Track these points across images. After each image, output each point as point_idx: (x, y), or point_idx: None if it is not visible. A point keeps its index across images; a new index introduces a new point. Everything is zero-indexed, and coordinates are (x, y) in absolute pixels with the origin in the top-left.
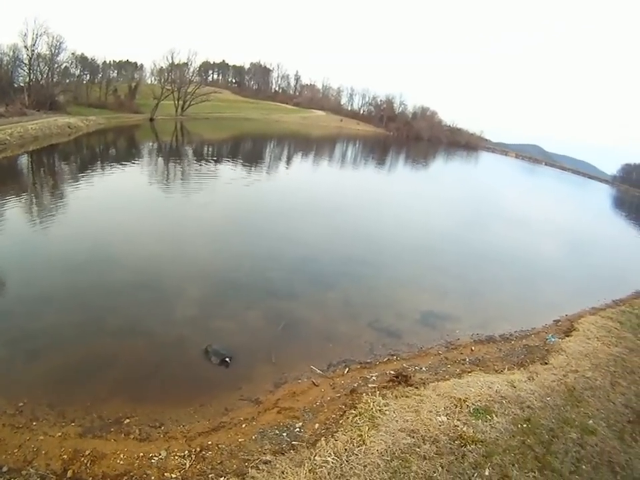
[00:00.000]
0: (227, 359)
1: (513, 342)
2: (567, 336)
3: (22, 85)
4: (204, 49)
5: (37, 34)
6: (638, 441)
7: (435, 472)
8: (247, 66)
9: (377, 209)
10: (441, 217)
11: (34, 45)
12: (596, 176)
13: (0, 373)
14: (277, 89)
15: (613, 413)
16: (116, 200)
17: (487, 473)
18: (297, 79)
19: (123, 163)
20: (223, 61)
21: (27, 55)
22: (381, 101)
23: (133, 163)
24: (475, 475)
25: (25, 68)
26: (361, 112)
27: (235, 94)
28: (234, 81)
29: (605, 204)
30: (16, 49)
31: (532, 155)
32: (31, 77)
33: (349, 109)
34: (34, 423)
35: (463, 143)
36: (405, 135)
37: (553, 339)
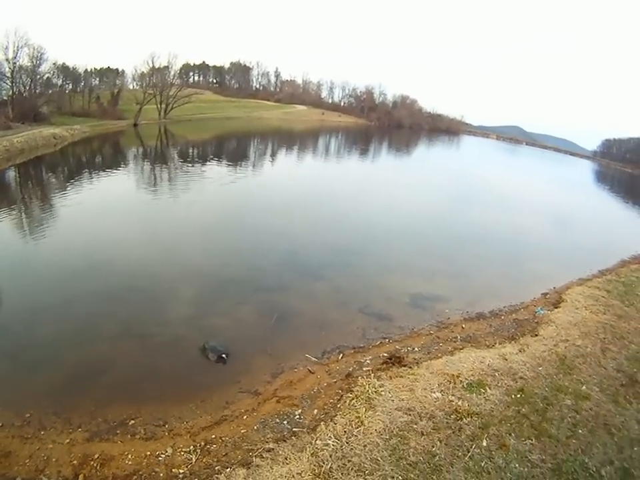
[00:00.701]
0: (224, 355)
1: (502, 317)
2: (556, 307)
3: (5, 98)
4: (184, 51)
5: (17, 46)
6: (632, 402)
7: (433, 446)
8: (227, 66)
9: (362, 198)
10: (425, 202)
11: (15, 57)
12: (577, 152)
13: (4, 387)
14: (257, 86)
15: (606, 378)
16: (105, 207)
17: (484, 444)
18: (277, 75)
19: (110, 169)
20: (203, 62)
21: (9, 68)
22: (360, 92)
23: (120, 169)
24: (473, 446)
25: (7, 81)
26: (342, 104)
27: (217, 94)
28: (215, 81)
29: (587, 179)
30: None
31: (513, 136)
32: (14, 90)
33: (330, 101)
34: (42, 433)
35: (444, 129)
36: (386, 124)
37: (542, 311)
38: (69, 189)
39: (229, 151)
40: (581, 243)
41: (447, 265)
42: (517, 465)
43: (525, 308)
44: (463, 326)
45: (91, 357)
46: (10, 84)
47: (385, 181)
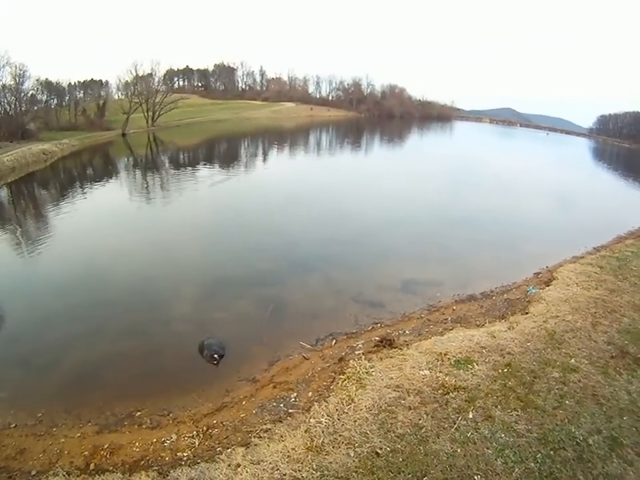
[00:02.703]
0: (216, 356)
1: (494, 298)
2: (547, 286)
3: None
4: (166, 56)
5: None
6: (622, 374)
7: (420, 419)
8: (211, 68)
9: (353, 191)
10: (418, 191)
11: None
12: (573, 131)
13: (18, 390)
14: (243, 86)
15: (596, 351)
16: (100, 216)
17: (470, 416)
18: (262, 74)
19: (102, 180)
20: (187, 66)
21: None
22: (348, 84)
23: (112, 180)
24: (459, 419)
25: None
26: (330, 98)
27: (203, 97)
28: (200, 84)
29: (584, 157)
30: None
31: (506, 118)
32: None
33: (318, 96)
34: (54, 429)
35: (435, 115)
36: (376, 115)
37: (534, 290)
38: (63, 202)
39: (220, 154)
40: (577, 221)
41: (440, 250)
42: (502, 435)
43: (517, 288)
44: (454, 308)
45: (96, 356)
46: None
47: (377, 172)
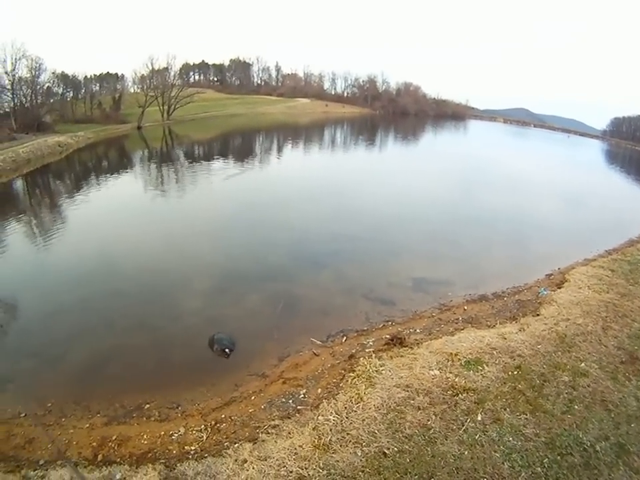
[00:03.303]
0: (227, 350)
1: (505, 298)
2: (559, 288)
3: (7, 110)
4: (182, 51)
5: (15, 58)
6: (632, 379)
7: (428, 420)
8: (226, 63)
9: (367, 188)
10: (431, 189)
11: (14, 69)
12: (586, 132)
13: (28, 381)
14: (259, 82)
15: (605, 356)
16: (114, 209)
17: (479, 418)
18: (278, 69)
19: (117, 173)
20: (203, 60)
21: (9, 80)
22: (363, 81)
23: (127, 172)
24: (468, 420)
25: (8, 93)
26: (345, 95)
27: (218, 92)
28: (215, 79)
29: (597, 159)
30: None
31: (520, 119)
32: (15, 101)
33: (333, 93)
34: (63, 420)
35: (450, 114)
36: (391, 112)
37: (545, 292)
38: (78, 194)
39: (235, 148)
40: (589, 223)
41: (452, 248)
42: (510, 439)
43: (528, 289)
44: (465, 308)
45: (106, 349)
46: (11, 96)
47: (391, 169)
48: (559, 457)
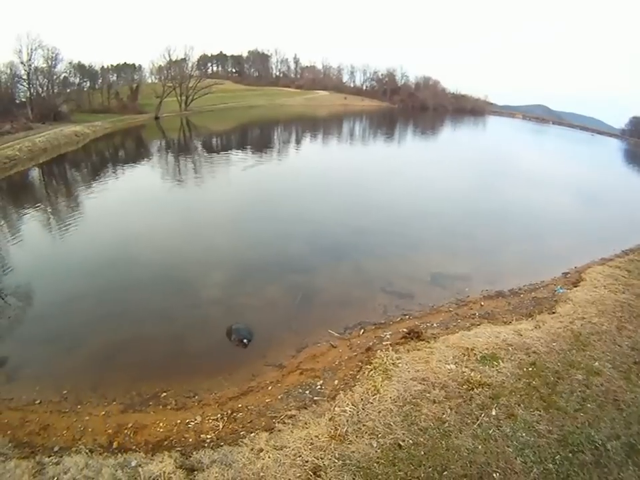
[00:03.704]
0: (245, 340)
1: (522, 295)
2: (575, 286)
3: (23, 100)
4: (200, 42)
5: (31, 49)
6: None
7: (444, 413)
8: (245, 54)
9: (386, 181)
10: (450, 183)
11: (30, 59)
12: (604, 131)
13: (44, 367)
14: (277, 73)
15: (619, 355)
16: (131, 199)
17: (493, 413)
18: (297, 61)
19: (134, 163)
20: (221, 52)
21: (25, 70)
22: (382, 75)
23: (144, 162)
24: (482, 415)
25: (25, 83)
26: (364, 88)
27: (237, 83)
28: (234, 70)
29: (616, 159)
30: (13, 65)
31: (539, 115)
32: (32, 91)
33: (352, 86)
34: (78, 407)
35: (468, 109)
36: (410, 106)
37: (561, 290)
38: (95, 183)
39: (254, 139)
40: (606, 222)
41: (470, 243)
42: (523, 434)
43: (545, 287)
44: (482, 303)
45: (124, 337)
46: (27, 85)
47: (409, 163)
48: (570, 454)
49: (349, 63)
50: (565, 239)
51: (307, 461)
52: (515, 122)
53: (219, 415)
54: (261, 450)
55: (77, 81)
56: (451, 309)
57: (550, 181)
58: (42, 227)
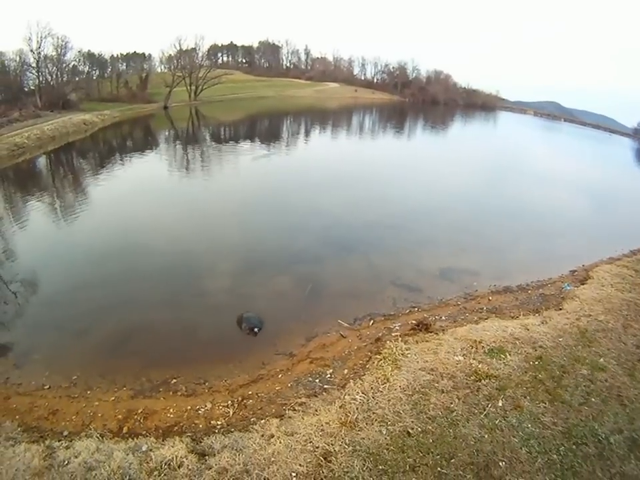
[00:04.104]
0: (256, 329)
1: (529, 291)
2: (582, 284)
3: (32, 88)
4: (211, 32)
5: (41, 37)
6: None
7: (452, 403)
8: (255, 45)
9: (397, 175)
10: (460, 178)
11: (39, 47)
12: (617, 130)
13: (52, 353)
14: (288, 65)
15: (624, 353)
16: (139, 188)
17: (500, 404)
18: (307, 53)
19: (143, 152)
20: (231, 42)
21: (34, 58)
22: (393, 68)
23: (153, 151)
24: (489, 406)
25: (34, 71)
26: (375, 81)
27: (247, 74)
28: (244, 61)
29: (628, 158)
30: (22, 53)
31: (551, 112)
32: (40, 79)
33: (362, 78)
34: (88, 392)
35: (479, 104)
36: (420, 100)
37: (568, 287)
38: (103, 172)
39: (263, 130)
40: (615, 222)
41: (479, 239)
42: (529, 425)
43: (552, 283)
44: (490, 298)
45: (133, 324)
46: (36, 74)
47: (420, 158)
48: (574, 446)
49: (360, 55)
50: (573, 238)
51: (317, 447)
52: (525, 118)
53: (229, 402)
54: (272, 436)
55: (86, 69)
56: (459, 303)
57: (561, 180)
58: (50, 215)
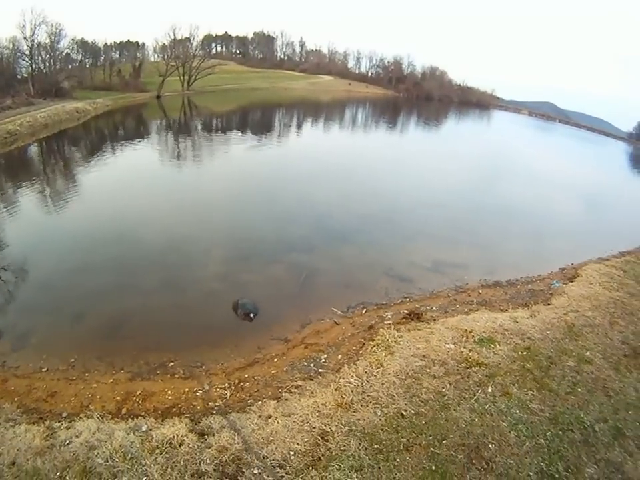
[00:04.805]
0: (252, 315)
1: (519, 286)
2: (571, 281)
3: (25, 75)
4: (205, 21)
5: (35, 24)
6: (633, 372)
7: (443, 388)
8: (250, 36)
9: (390, 169)
10: (453, 175)
11: (33, 35)
12: (612, 133)
13: (50, 336)
14: (282, 56)
15: (610, 347)
16: (132, 176)
17: (489, 390)
18: (302, 45)
19: (134, 141)
20: (226, 32)
21: (27, 46)
22: (388, 62)
23: (144, 141)
24: (479, 391)
25: (27, 59)
26: (369, 75)
27: (241, 65)
28: (238, 51)
29: (622, 162)
30: (15, 40)
31: (545, 113)
32: (34, 67)
33: (357, 72)
34: (86, 375)
35: (474, 102)
36: (414, 96)
37: (557, 284)
38: (95, 160)
39: (255, 122)
40: (607, 224)
41: (471, 236)
42: (517, 411)
43: (542, 280)
44: (480, 291)
45: (131, 309)
46: (29, 61)
47: (413, 153)
48: (560, 432)
49: (355, 49)
50: (564, 238)
51: (314, 427)
52: (519, 118)
53: (227, 384)
54: (270, 416)
55: (80, 57)
56: (449, 295)
57: (555, 181)
58: (44, 201)
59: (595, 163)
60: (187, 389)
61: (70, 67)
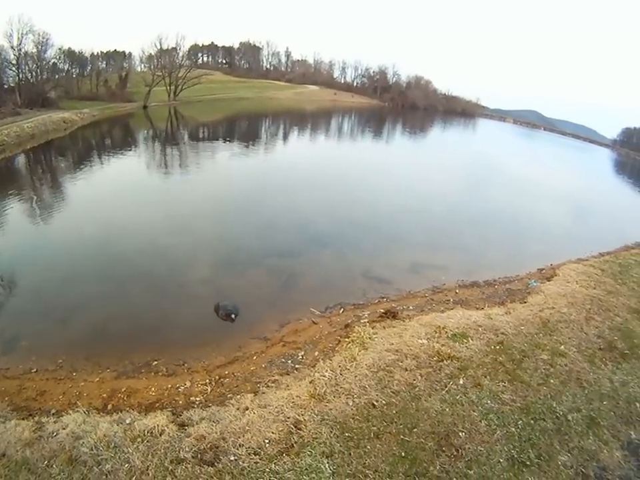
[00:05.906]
0: (233, 315)
1: (496, 286)
2: (549, 281)
3: (12, 85)
4: (192, 31)
5: (22, 33)
6: (608, 364)
7: (414, 380)
8: (236, 46)
9: (372, 178)
10: (435, 182)
11: (20, 44)
12: (596, 140)
13: (38, 339)
14: (268, 66)
15: (585, 341)
16: (118, 186)
17: (461, 382)
18: (288, 55)
19: (121, 151)
20: (212, 42)
21: (14, 55)
22: (373, 72)
23: (131, 151)
24: (451, 383)
25: (14, 68)
26: (355, 84)
27: (227, 74)
28: (224, 61)
29: (605, 167)
30: (2, 50)
31: (530, 121)
32: (20, 77)
33: (342, 82)
34: (74, 374)
35: (459, 111)
36: (400, 105)
37: (535, 284)
38: (82, 170)
39: (241, 132)
40: (588, 227)
41: (450, 240)
42: (488, 401)
43: (519, 280)
44: (457, 291)
45: (116, 312)
46: (16, 71)
47: (395, 161)
48: (532, 421)
49: (340, 59)
50: (544, 241)
51: (288, 417)
52: (504, 126)
53: (207, 381)
54: (247, 408)
55: (66, 67)
56: (426, 295)
57: (536, 186)
58: (31, 211)
59: (580, 169)
60: (169, 386)
61: (57, 76)
